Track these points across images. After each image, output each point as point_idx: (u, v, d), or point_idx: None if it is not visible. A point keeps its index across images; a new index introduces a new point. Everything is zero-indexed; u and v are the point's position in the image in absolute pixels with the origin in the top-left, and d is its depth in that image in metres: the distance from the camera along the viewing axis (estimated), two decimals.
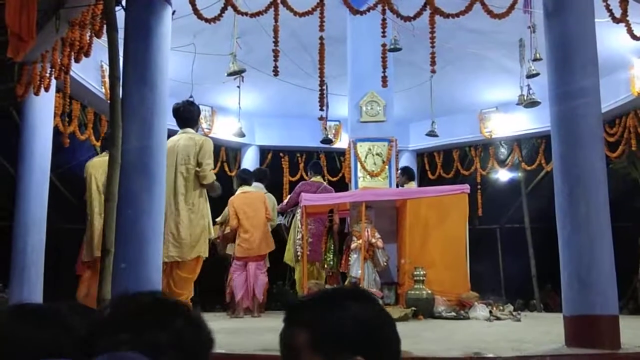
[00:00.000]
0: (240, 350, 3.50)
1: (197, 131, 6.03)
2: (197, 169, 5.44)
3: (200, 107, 8.90)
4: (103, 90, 7.37)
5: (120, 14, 4.22)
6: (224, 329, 5.09)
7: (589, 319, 3.66)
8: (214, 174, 5.75)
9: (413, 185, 8.61)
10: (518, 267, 11.42)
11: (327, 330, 1.12)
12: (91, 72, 7.42)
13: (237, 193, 7.51)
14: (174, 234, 5.29)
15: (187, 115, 5.78)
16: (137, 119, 4.11)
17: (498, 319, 6.30)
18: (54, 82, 6.13)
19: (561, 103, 3.92)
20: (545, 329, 4.97)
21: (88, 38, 5.37)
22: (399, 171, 8.82)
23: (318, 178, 8.38)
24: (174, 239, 5.29)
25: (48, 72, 5.93)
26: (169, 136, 6.54)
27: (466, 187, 6.88)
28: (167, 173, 5.31)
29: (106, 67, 5.92)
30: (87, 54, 5.40)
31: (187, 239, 5.35)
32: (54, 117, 6.56)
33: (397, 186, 8.14)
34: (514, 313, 6.67)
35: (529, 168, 10.34)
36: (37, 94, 6.01)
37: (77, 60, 5.44)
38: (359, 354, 1.10)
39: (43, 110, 6.33)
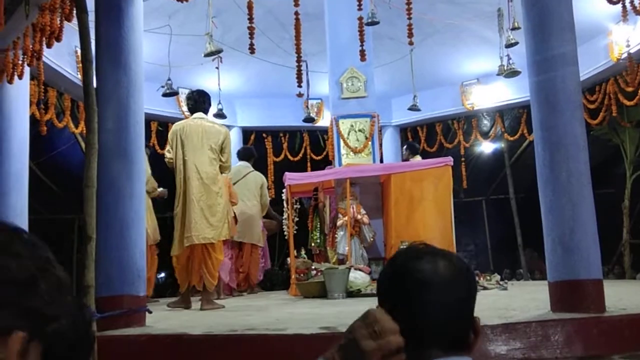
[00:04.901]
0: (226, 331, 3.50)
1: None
2: (221, 156, 5.56)
3: (179, 90, 8.85)
4: (79, 76, 7.24)
5: None
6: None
7: (573, 284, 3.69)
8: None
9: (418, 159, 8.53)
10: (504, 237, 11.50)
11: (379, 277, 1.24)
12: (65, 58, 7.29)
13: None
14: (207, 217, 5.33)
15: (201, 98, 5.80)
16: (112, 103, 4.04)
17: (485, 288, 6.35)
18: (27, 69, 6.01)
19: (539, 70, 3.91)
20: (532, 296, 5.02)
21: (59, 22, 5.25)
22: (404, 147, 8.95)
23: None
24: (208, 222, 5.32)
25: (20, 59, 5.81)
26: (146, 122, 6.46)
27: (449, 160, 6.86)
28: (189, 155, 5.38)
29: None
30: (58, 39, 5.29)
31: (220, 221, 5.42)
32: (30, 105, 6.45)
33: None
34: (501, 282, 6.73)
35: (511, 139, 10.36)
36: (10, 82, 5.89)
37: (48, 46, 5.33)
38: (388, 303, 1.15)
39: (18, 98, 6.21)
